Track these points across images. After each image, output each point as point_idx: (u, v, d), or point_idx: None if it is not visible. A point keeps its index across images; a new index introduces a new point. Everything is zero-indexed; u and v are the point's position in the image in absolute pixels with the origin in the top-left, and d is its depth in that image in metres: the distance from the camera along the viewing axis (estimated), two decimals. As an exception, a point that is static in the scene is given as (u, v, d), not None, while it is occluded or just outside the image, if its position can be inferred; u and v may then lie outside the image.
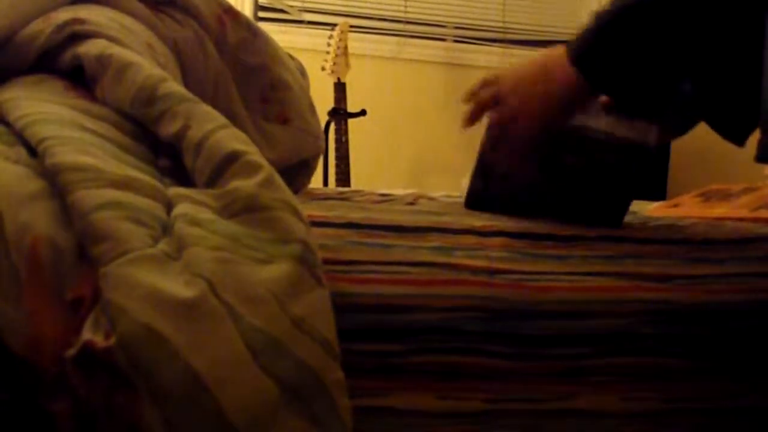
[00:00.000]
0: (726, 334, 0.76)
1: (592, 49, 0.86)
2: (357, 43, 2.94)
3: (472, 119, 0.97)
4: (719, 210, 1.34)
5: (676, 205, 1.52)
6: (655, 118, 0.93)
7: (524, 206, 0.96)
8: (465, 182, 1.05)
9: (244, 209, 0.67)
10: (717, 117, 0.95)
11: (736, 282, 0.78)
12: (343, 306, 0.66)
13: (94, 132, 0.75)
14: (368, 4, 3.15)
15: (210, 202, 0.69)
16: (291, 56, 1.35)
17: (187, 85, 1.05)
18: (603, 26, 0.86)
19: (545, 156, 0.96)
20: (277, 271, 0.62)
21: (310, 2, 3.09)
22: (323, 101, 2.44)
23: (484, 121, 0.97)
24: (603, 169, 0.94)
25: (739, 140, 0.95)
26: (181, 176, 0.76)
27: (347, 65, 2.71)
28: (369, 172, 2.83)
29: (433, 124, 3.14)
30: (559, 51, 0.89)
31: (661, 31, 0.84)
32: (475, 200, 1.03)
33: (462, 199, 1.06)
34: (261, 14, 2.87)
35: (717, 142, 1.00)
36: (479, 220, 0.85)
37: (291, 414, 0.57)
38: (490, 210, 0.98)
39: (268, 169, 0.70)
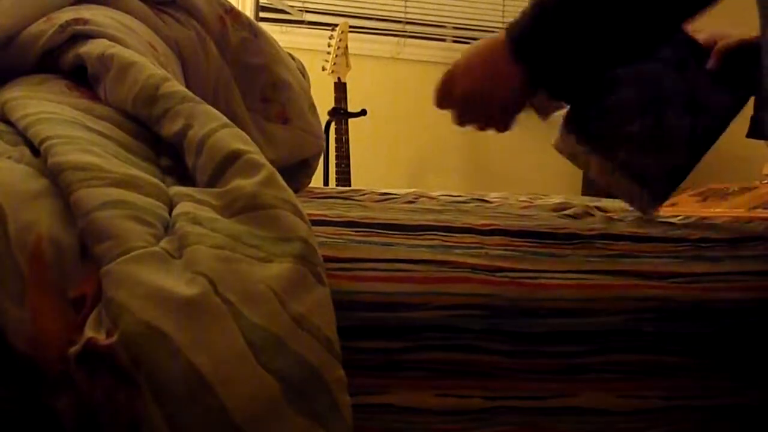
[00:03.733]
0: (724, 332, 0.76)
1: (536, 44, 0.87)
2: (357, 43, 2.94)
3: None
4: (717, 209, 1.34)
5: (673, 204, 1.52)
6: (586, 106, 0.97)
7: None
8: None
9: (245, 208, 0.67)
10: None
11: (733, 280, 0.78)
12: (343, 303, 0.66)
13: (96, 131, 0.76)
14: (368, 5, 3.15)
15: (211, 200, 0.69)
16: (292, 56, 1.35)
17: (188, 84, 1.06)
18: (546, 19, 0.86)
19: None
20: (278, 269, 0.62)
21: (310, 3, 3.09)
22: (324, 101, 2.44)
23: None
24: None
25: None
26: (183, 175, 0.76)
27: (347, 65, 2.71)
28: (369, 172, 2.82)
29: (433, 124, 3.12)
30: (501, 44, 0.89)
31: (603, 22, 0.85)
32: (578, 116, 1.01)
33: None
34: (262, 14, 2.87)
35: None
36: (479, 219, 0.85)
37: (292, 411, 0.57)
38: (584, 127, 0.99)
39: (269, 168, 0.70)
